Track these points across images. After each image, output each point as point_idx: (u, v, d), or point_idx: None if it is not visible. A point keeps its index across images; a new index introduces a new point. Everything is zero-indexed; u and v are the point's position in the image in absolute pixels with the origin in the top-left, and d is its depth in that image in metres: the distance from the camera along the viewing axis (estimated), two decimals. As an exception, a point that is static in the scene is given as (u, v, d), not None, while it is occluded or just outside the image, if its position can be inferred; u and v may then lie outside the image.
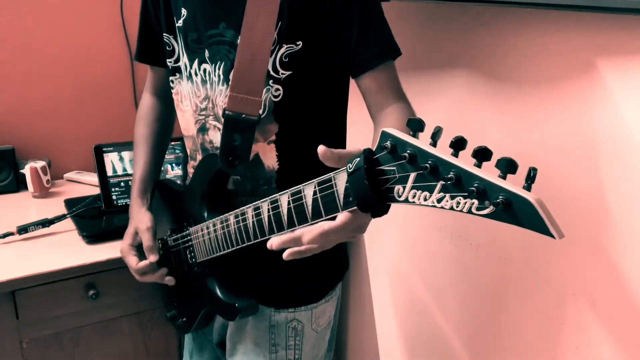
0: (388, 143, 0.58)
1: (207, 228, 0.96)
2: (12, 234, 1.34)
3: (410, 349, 1.48)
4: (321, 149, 0.67)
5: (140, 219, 1.08)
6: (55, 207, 1.52)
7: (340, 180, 0.66)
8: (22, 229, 1.35)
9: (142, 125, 1.17)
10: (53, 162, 1.76)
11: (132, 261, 1.07)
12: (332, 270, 1.09)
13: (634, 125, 0.87)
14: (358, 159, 0.61)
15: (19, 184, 1.67)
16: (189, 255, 1.04)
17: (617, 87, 0.89)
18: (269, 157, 0.97)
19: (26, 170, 1.61)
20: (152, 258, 1.05)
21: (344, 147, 1.07)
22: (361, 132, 1.19)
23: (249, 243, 0.85)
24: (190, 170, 1.09)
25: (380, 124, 0.92)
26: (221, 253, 0.94)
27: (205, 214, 0.99)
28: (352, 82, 1.01)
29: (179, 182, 1.60)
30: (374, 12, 0.93)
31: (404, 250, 1.42)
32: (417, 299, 1.42)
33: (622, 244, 0.91)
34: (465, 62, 1.18)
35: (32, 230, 1.36)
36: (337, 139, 1.06)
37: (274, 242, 0.72)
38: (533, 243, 1.06)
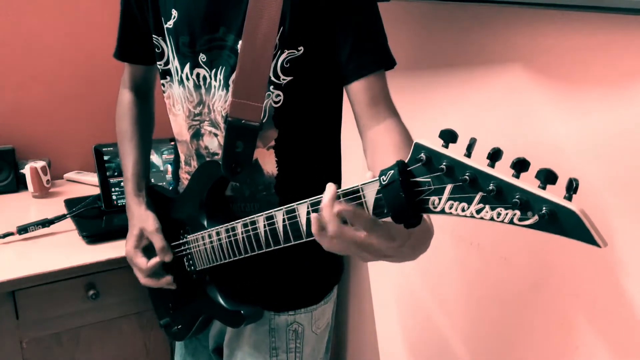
0: (422, 155, 0.59)
1: (210, 237, 0.94)
2: (12, 234, 1.34)
3: (410, 349, 1.48)
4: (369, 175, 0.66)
5: (144, 219, 1.06)
6: (55, 207, 1.52)
7: (370, 191, 0.66)
8: (22, 229, 1.35)
9: (125, 122, 1.15)
10: (53, 162, 1.76)
11: (142, 262, 1.04)
12: (330, 272, 1.08)
13: (634, 125, 0.87)
14: (392, 171, 0.61)
15: (19, 184, 1.67)
16: (186, 264, 1.03)
17: (617, 87, 0.89)
18: (268, 162, 0.97)
19: (26, 170, 1.61)
20: (168, 258, 1.02)
21: (339, 152, 1.07)
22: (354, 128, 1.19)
23: (259, 252, 0.84)
24: (184, 176, 1.07)
25: (377, 140, 0.90)
26: (226, 261, 0.93)
27: (205, 222, 0.98)
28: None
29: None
30: (371, 20, 0.92)
31: (404, 250, 1.42)
32: (417, 298, 1.42)
33: (622, 244, 0.91)
34: (464, 61, 1.18)
35: (32, 230, 1.36)
36: (334, 143, 1.06)
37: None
38: (533, 243, 1.06)
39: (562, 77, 0.98)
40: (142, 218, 1.06)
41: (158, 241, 1.03)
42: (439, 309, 1.35)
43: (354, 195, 0.67)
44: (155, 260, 1.03)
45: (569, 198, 0.51)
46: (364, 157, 0.90)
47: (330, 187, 0.67)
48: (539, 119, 1.03)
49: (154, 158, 1.59)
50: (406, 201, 0.60)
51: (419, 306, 1.42)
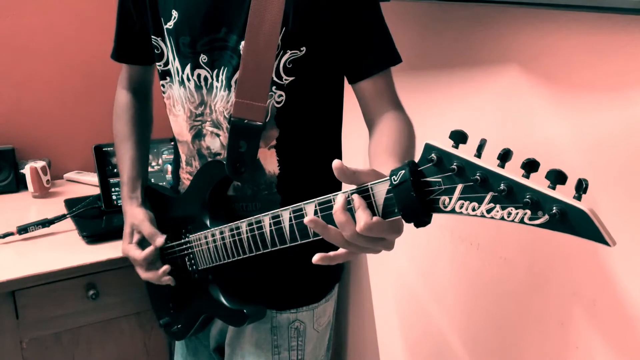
0: (433, 155, 0.60)
1: (213, 236, 0.94)
2: (12, 234, 1.34)
3: (410, 349, 1.48)
4: (337, 164, 0.65)
5: (134, 215, 1.07)
6: (55, 207, 1.52)
7: (379, 191, 0.67)
8: (22, 229, 1.35)
9: (122, 123, 1.15)
10: (53, 162, 1.76)
11: (136, 254, 1.05)
12: (331, 270, 1.09)
13: (633, 125, 0.87)
14: (402, 171, 0.62)
15: (19, 184, 1.67)
16: (187, 263, 1.03)
17: (617, 87, 0.89)
18: (270, 162, 0.97)
19: (26, 170, 1.61)
20: (158, 242, 1.03)
21: (340, 151, 1.08)
22: (353, 130, 1.19)
23: (264, 251, 0.85)
24: (185, 176, 1.07)
25: (380, 131, 0.92)
26: (229, 260, 0.93)
27: (208, 222, 0.98)
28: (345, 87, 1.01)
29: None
30: (376, 19, 0.93)
31: (404, 250, 1.42)
32: (417, 298, 1.42)
33: (622, 244, 0.91)
34: (465, 61, 1.18)
35: (32, 230, 1.36)
36: (335, 142, 1.06)
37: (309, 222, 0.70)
38: (533, 243, 1.07)
39: (562, 76, 0.98)
40: (132, 215, 1.08)
41: (146, 228, 1.04)
42: (438, 308, 1.35)
43: (363, 195, 0.68)
44: (149, 249, 1.04)
45: (578, 198, 0.51)
46: (365, 155, 0.91)
47: (340, 196, 0.68)
48: (539, 119, 1.03)
49: (154, 158, 1.59)
50: (417, 201, 0.61)
51: (418, 305, 1.42)
